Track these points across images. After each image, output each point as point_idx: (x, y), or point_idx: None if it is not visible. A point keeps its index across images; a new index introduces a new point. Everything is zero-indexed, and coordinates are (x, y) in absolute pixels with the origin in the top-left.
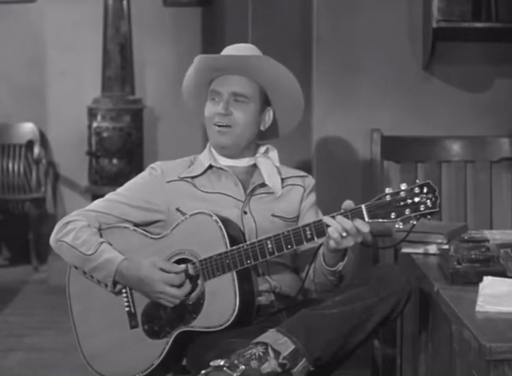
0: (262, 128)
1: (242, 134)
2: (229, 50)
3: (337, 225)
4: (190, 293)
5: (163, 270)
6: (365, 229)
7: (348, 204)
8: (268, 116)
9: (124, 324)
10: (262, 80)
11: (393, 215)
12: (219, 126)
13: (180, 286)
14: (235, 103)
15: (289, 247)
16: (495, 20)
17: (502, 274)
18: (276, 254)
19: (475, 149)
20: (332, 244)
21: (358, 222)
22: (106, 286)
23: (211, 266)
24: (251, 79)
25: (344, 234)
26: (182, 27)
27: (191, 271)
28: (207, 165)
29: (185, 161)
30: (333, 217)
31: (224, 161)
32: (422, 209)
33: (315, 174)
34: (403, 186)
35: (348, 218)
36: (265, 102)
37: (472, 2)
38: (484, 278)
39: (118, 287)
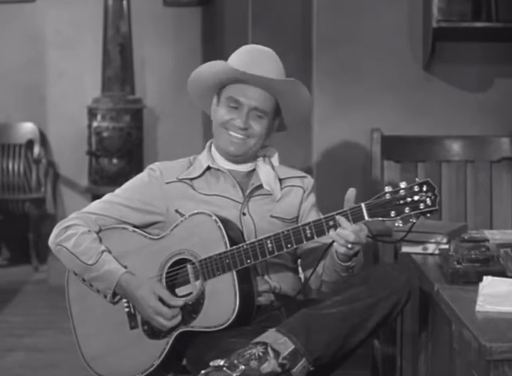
0: (269, 135)
1: (254, 145)
2: (253, 55)
3: (340, 241)
4: (177, 325)
5: (160, 299)
6: (364, 233)
7: (351, 191)
8: (277, 123)
9: (124, 325)
10: (281, 98)
11: (393, 214)
12: (233, 135)
13: (172, 318)
14: (254, 117)
15: (289, 246)
16: (495, 20)
17: (502, 274)
18: (276, 253)
19: (475, 149)
20: (344, 252)
21: (356, 229)
22: (105, 296)
23: (211, 266)
24: (271, 93)
25: (350, 246)
26: (182, 27)
27: (189, 300)
28: (205, 166)
29: (184, 162)
30: (333, 223)
31: (225, 164)
32: (422, 207)
33: (315, 174)
34: (403, 185)
35: (349, 220)
36: (277, 111)
37: (472, 2)
38: (484, 278)
39: (117, 297)
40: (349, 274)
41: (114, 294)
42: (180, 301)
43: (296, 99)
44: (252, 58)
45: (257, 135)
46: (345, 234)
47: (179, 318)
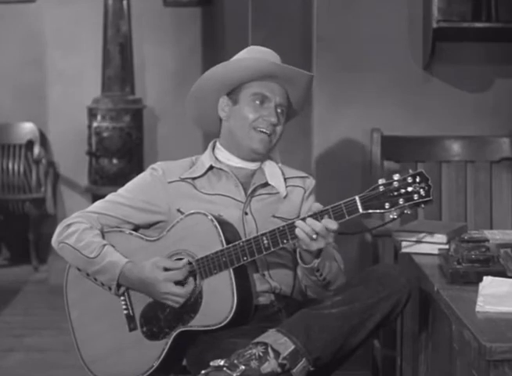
0: None
1: (275, 144)
2: (264, 54)
3: (306, 227)
4: (194, 291)
5: (166, 269)
6: (334, 226)
7: (316, 207)
8: None
9: (123, 327)
10: (294, 92)
11: (387, 205)
12: (262, 132)
13: (184, 283)
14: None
15: (284, 241)
16: (495, 20)
17: (502, 274)
18: (272, 249)
19: (475, 149)
20: (302, 246)
21: (326, 221)
22: (110, 289)
23: (208, 265)
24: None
25: (314, 236)
26: (182, 27)
27: (190, 268)
28: (207, 166)
29: (187, 162)
30: (304, 219)
31: (234, 162)
32: (415, 198)
33: (315, 174)
34: (396, 177)
35: (331, 218)
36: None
37: (472, 2)
38: (484, 278)
39: (122, 289)
40: (319, 279)
41: (119, 286)
42: (184, 262)
43: (305, 93)
44: (266, 56)
45: (278, 134)
46: (316, 224)
47: (192, 285)
